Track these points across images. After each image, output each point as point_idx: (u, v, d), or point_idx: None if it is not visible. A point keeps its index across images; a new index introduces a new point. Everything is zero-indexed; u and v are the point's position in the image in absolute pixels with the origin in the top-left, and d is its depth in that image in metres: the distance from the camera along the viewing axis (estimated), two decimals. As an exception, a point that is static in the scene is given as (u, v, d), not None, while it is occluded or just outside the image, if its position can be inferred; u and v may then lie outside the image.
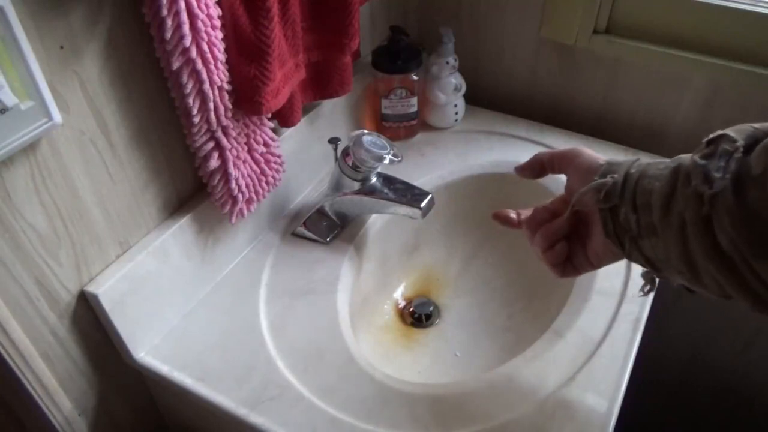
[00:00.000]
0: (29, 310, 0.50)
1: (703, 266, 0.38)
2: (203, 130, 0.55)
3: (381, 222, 0.77)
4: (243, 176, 0.61)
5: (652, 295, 0.63)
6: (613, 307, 0.63)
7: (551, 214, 0.50)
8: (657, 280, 0.47)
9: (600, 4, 0.79)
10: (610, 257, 0.47)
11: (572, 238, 0.49)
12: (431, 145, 0.88)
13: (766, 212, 0.33)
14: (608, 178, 0.44)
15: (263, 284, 0.67)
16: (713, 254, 0.37)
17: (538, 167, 0.52)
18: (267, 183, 0.66)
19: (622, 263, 0.67)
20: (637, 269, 0.66)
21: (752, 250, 0.34)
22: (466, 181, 0.82)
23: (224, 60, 0.52)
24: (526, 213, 0.53)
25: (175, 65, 0.48)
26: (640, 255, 0.43)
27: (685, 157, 0.40)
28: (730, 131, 0.37)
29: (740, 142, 0.36)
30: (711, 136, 0.38)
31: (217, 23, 0.50)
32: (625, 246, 0.44)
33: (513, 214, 0.54)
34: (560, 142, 0.86)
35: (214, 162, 0.57)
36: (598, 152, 0.48)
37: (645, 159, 0.44)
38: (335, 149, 0.71)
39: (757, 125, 0.37)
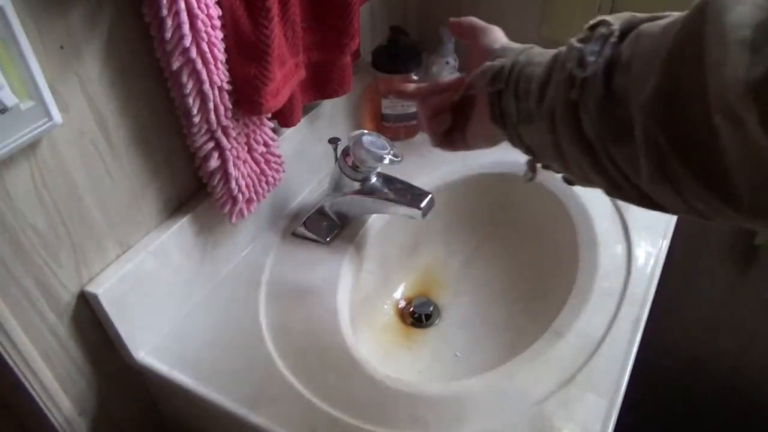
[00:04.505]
0: (29, 310, 0.49)
1: (569, 152, 0.38)
2: (203, 130, 0.55)
3: (381, 222, 0.77)
4: (243, 176, 0.61)
5: (651, 295, 0.64)
6: (613, 307, 0.63)
7: (442, 89, 0.51)
8: (538, 167, 0.47)
9: (600, 4, 0.79)
10: (483, 142, 0.49)
11: (457, 115, 0.50)
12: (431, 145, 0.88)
13: (626, 99, 0.33)
14: (497, 62, 0.44)
15: (263, 284, 0.67)
16: (577, 140, 0.37)
17: (467, 28, 0.52)
18: (267, 183, 0.66)
19: (622, 265, 0.67)
20: (638, 270, 0.66)
21: (610, 135, 0.35)
22: (466, 181, 0.82)
23: (224, 60, 0.52)
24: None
25: (175, 65, 0.48)
26: (521, 142, 0.43)
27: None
28: (609, 17, 0.36)
29: (616, 27, 0.35)
30: (591, 22, 0.37)
31: (217, 23, 0.50)
32: (508, 131, 0.44)
33: (410, 88, 0.54)
34: (560, 142, 0.86)
35: (214, 162, 0.57)
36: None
37: (539, 49, 0.44)
38: (335, 149, 0.71)
39: (638, 14, 0.36)
